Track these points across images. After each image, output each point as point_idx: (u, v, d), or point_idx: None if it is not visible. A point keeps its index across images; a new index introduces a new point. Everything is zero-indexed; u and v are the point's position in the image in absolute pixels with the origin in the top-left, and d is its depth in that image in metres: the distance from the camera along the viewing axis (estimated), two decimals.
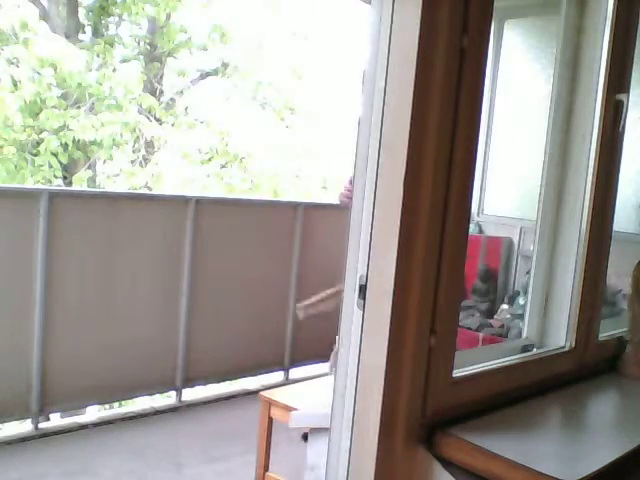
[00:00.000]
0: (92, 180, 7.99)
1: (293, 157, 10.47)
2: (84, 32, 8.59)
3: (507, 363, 1.62)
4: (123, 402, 4.29)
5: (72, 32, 8.11)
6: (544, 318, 1.84)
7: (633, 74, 1.80)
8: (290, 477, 2.45)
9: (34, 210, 2.97)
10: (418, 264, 1.28)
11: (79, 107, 7.63)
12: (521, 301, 3.49)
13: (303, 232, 4.10)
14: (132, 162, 8.48)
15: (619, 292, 2.83)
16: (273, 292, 4.03)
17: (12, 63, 7.41)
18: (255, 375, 4.07)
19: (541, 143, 1.82)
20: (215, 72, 10.11)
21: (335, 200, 3.69)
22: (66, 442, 2.99)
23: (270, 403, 2.51)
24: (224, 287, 3.74)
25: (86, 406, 3.25)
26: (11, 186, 5.55)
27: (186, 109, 10.01)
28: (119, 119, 7.56)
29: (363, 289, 1.29)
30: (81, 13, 8.62)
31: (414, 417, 1.33)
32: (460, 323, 1.60)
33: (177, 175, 8.57)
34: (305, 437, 2.91)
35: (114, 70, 7.93)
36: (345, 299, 1.34)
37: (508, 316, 3.59)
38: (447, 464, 1.33)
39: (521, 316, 2.79)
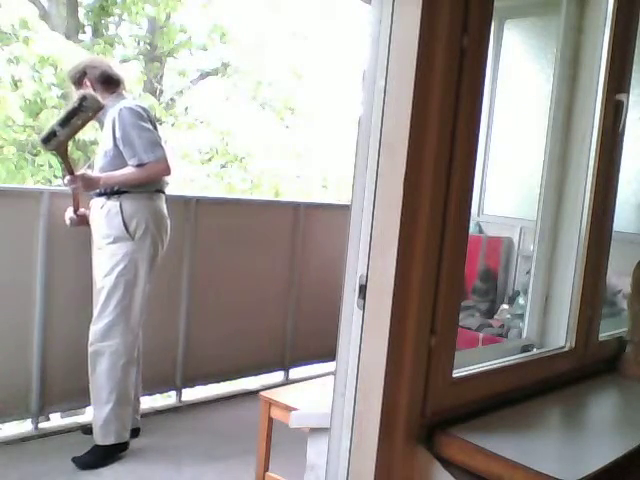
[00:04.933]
0: None
1: (293, 157, 10.48)
2: (84, 32, 8.60)
3: (507, 363, 1.62)
4: None
5: (72, 32, 8.12)
6: (544, 318, 1.84)
7: (633, 74, 1.80)
8: (290, 477, 2.45)
9: (34, 210, 2.97)
10: (418, 264, 1.28)
11: None
12: (521, 301, 3.49)
13: (303, 232, 4.10)
14: None
15: (619, 292, 2.83)
16: (273, 292, 4.02)
17: (12, 62, 7.41)
18: (255, 375, 4.06)
19: (541, 143, 1.82)
20: (215, 72, 10.13)
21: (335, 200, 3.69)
22: (66, 442, 2.99)
23: (270, 403, 2.51)
24: (224, 287, 3.73)
25: (86, 406, 3.24)
26: (11, 186, 5.53)
27: (186, 109, 10.03)
28: None
29: (363, 289, 1.30)
30: (81, 13, 8.64)
31: (414, 417, 1.33)
32: (460, 323, 1.60)
33: (177, 175, 8.58)
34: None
35: None
36: (345, 299, 1.34)
37: (508, 316, 3.59)
38: (447, 464, 1.33)
39: (521, 316, 2.79)
